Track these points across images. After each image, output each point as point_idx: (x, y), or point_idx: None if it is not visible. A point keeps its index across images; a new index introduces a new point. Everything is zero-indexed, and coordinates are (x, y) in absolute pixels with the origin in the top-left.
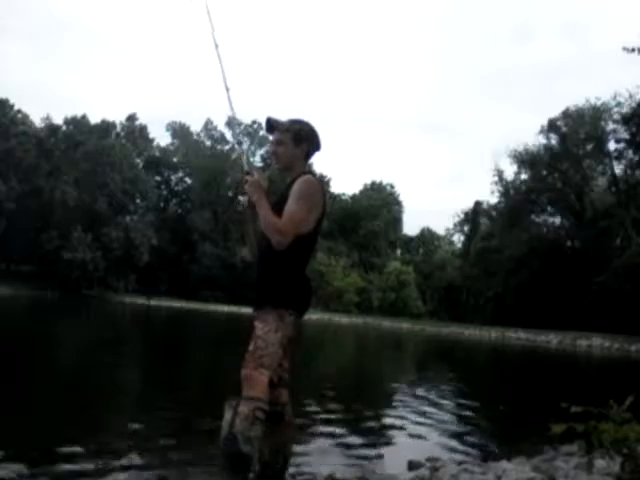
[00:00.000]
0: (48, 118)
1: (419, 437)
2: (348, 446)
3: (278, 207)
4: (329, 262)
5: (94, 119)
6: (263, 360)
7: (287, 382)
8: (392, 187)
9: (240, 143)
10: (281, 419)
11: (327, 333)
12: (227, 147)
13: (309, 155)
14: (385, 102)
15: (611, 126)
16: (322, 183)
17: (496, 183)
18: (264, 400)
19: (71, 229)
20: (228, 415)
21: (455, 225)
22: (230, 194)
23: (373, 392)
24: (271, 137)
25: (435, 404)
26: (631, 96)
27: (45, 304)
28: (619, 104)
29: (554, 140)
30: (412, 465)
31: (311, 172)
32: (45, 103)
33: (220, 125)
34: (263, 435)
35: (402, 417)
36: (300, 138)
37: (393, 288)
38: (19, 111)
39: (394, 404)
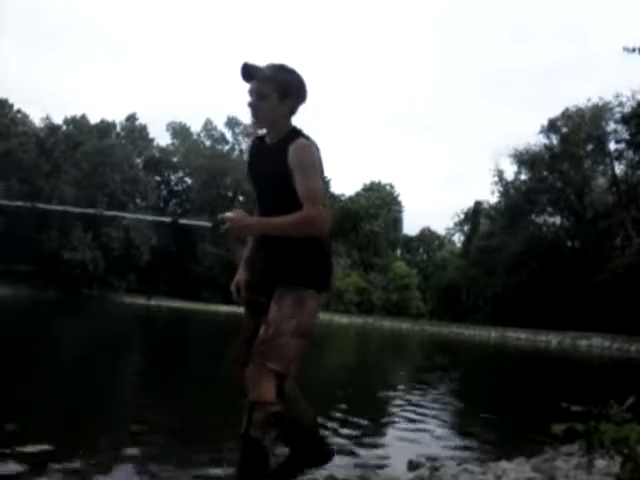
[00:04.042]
0: (48, 118)
1: (419, 437)
2: (348, 446)
3: (274, 177)
4: None
5: (94, 119)
6: (273, 353)
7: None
8: (392, 187)
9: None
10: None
11: (327, 333)
12: (227, 147)
13: (294, 109)
14: (385, 102)
15: (612, 126)
16: (315, 144)
17: (496, 183)
18: (275, 402)
19: (71, 229)
20: (244, 420)
21: (455, 225)
22: (230, 194)
23: (373, 392)
24: (248, 86)
25: (435, 404)
26: (633, 96)
27: (45, 304)
28: (621, 104)
29: (554, 140)
30: (412, 465)
31: (301, 133)
32: (45, 103)
33: (220, 125)
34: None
35: (402, 417)
36: (286, 91)
37: (397, 289)
38: (19, 111)
39: (394, 404)
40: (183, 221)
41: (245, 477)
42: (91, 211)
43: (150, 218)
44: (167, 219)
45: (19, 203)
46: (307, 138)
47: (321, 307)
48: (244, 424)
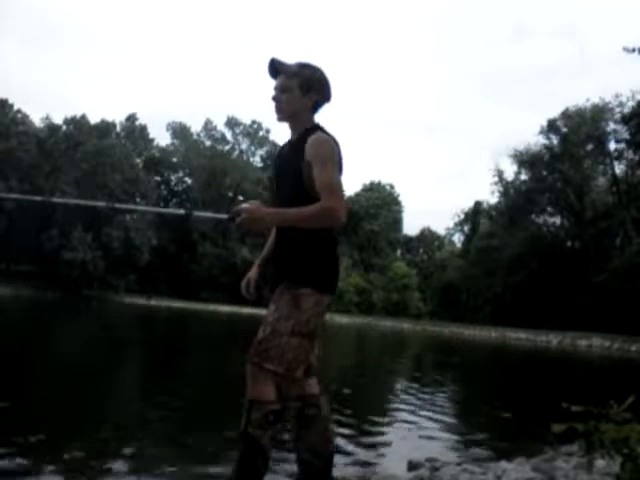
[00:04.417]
0: (48, 118)
1: (419, 437)
2: (348, 446)
3: (291, 173)
4: None
5: (94, 119)
6: (269, 353)
7: (315, 370)
8: (392, 187)
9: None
10: (316, 414)
11: (327, 333)
12: (227, 147)
13: (317, 106)
14: (384, 102)
15: (611, 126)
16: (335, 138)
17: (496, 183)
18: (274, 401)
19: (71, 229)
20: (243, 419)
21: (455, 225)
22: (230, 194)
23: (373, 392)
24: (274, 82)
25: (435, 404)
26: (633, 96)
27: (45, 304)
28: (620, 104)
29: (554, 140)
30: (412, 465)
31: (320, 127)
32: (45, 103)
33: (220, 125)
34: (296, 436)
35: (402, 417)
36: (309, 85)
37: (397, 289)
38: (19, 111)
39: (394, 404)
40: (198, 214)
41: (243, 476)
42: (101, 204)
43: (163, 211)
44: (181, 212)
45: (37, 198)
46: (327, 134)
47: (326, 308)
48: (243, 423)
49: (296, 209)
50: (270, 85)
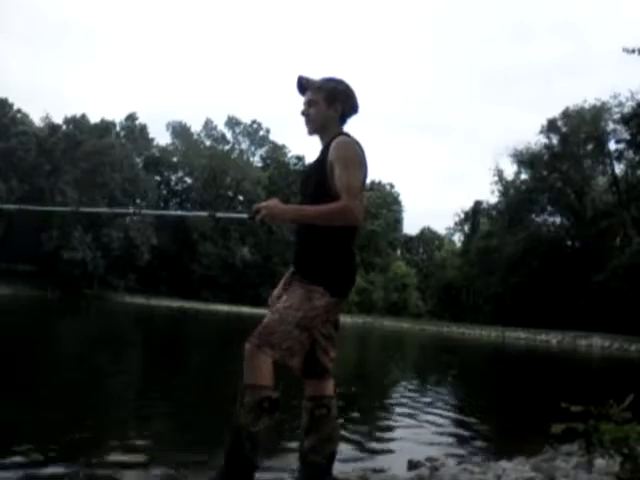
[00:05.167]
0: (48, 118)
1: (419, 437)
2: (348, 446)
3: (314, 174)
4: None
5: (94, 119)
6: (271, 338)
7: (331, 372)
8: (392, 187)
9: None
10: (326, 414)
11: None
12: (227, 147)
13: (344, 117)
14: (384, 101)
15: (611, 126)
16: (359, 143)
17: (496, 183)
18: (270, 387)
19: (71, 229)
20: (238, 405)
21: (455, 225)
22: (230, 194)
23: (373, 391)
24: (303, 98)
25: (435, 404)
26: (632, 96)
27: (45, 304)
28: (620, 104)
29: (554, 140)
30: (412, 465)
31: (345, 133)
32: (45, 103)
33: (220, 125)
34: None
35: (402, 417)
36: (334, 97)
37: (397, 289)
38: (19, 111)
39: (394, 404)
40: (220, 214)
41: (232, 464)
42: (128, 211)
43: (188, 214)
44: (204, 213)
45: (69, 208)
46: (352, 138)
47: (337, 309)
48: (238, 409)
49: (316, 206)
50: (272, 84)
